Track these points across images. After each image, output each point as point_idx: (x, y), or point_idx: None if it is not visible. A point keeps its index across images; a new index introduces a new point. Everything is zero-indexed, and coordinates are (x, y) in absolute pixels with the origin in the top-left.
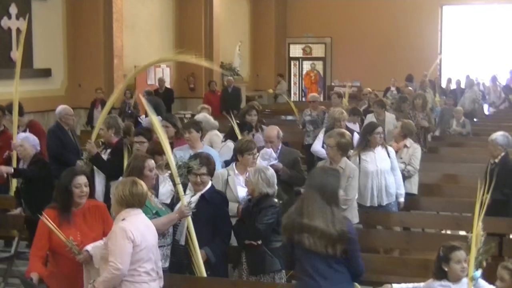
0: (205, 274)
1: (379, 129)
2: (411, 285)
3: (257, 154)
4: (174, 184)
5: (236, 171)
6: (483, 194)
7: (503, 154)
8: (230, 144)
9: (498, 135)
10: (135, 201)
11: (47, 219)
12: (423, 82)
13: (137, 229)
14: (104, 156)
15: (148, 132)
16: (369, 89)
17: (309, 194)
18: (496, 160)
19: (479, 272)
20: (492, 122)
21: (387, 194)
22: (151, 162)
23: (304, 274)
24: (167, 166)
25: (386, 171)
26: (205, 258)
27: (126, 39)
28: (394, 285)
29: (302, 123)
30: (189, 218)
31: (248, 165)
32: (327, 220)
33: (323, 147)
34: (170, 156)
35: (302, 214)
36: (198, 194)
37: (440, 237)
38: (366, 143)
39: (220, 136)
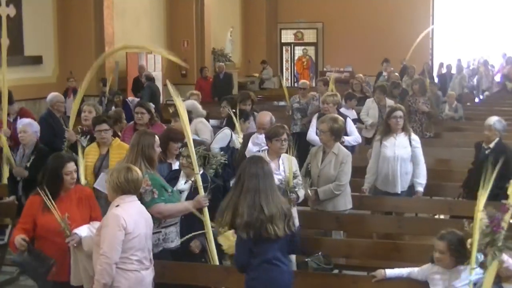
0: (217, 262)
1: (397, 113)
2: (404, 270)
3: (286, 140)
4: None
5: (268, 158)
6: (484, 180)
7: (497, 139)
8: (227, 131)
9: (495, 120)
10: (131, 188)
11: (45, 195)
12: (410, 68)
13: (131, 217)
14: (84, 143)
15: (111, 119)
16: (360, 75)
17: (251, 188)
18: (491, 146)
19: (481, 256)
20: (484, 106)
21: (401, 182)
22: (157, 139)
23: (264, 263)
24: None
25: (403, 159)
26: (200, 247)
27: (116, 26)
28: (387, 270)
29: (290, 110)
30: (206, 208)
31: (277, 151)
32: (276, 203)
33: (316, 134)
34: (192, 145)
35: (262, 208)
36: (190, 180)
37: (434, 222)
38: (387, 128)
39: (207, 124)
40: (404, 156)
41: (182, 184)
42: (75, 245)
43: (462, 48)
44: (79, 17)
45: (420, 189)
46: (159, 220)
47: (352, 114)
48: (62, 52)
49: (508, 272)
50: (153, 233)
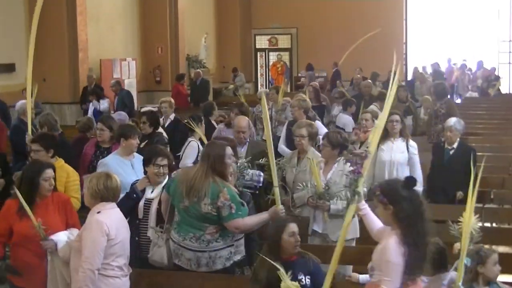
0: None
1: (393, 117)
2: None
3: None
4: None
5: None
6: (474, 184)
7: (458, 139)
8: (193, 143)
9: (455, 121)
10: (110, 195)
11: (20, 197)
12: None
13: (113, 223)
14: None
15: (47, 139)
16: (316, 83)
17: None
18: (454, 146)
19: (468, 261)
20: (459, 110)
21: None
22: (229, 150)
23: None
24: None
25: (400, 163)
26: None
27: (90, 32)
28: (360, 276)
29: (253, 118)
30: None
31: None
32: None
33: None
34: (273, 159)
35: None
36: (160, 187)
37: None
38: (384, 132)
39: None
40: (401, 161)
41: (149, 193)
42: (49, 250)
43: (436, 52)
44: (52, 24)
45: None
46: (232, 234)
47: (351, 121)
48: (35, 60)
49: (365, 220)
50: (226, 247)
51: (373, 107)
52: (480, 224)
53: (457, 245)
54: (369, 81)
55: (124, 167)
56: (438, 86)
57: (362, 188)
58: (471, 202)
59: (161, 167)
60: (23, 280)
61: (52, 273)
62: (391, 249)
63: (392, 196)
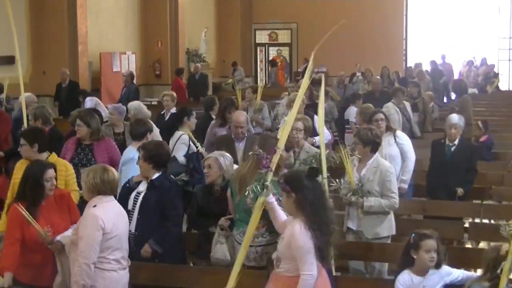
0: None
1: (378, 115)
2: None
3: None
4: None
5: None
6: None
7: (459, 136)
8: (184, 137)
9: (456, 118)
10: (107, 188)
11: (22, 209)
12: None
13: (109, 217)
14: None
15: (31, 134)
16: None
17: None
18: (456, 142)
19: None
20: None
21: None
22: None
23: None
24: None
25: (391, 157)
26: (150, 251)
27: (90, 26)
28: None
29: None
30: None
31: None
32: None
33: None
34: (324, 153)
35: None
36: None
37: (410, 223)
38: None
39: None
40: (392, 154)
41: (141, 187)
42: (57, 252)
43: (436, 49)
44: (52, 17)
45: (403, 185)
46: None
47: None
48: (36, 52)
49: (272, 213)
50: (274, 243)
51: (390, 104)
52: None
53: (505, 247)
54: (378, 77)
55: None
56: (457, 83)
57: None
58: None
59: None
60: (32, 279)
61: (62, 272)
62: (298, 234)
63: (295, 184)
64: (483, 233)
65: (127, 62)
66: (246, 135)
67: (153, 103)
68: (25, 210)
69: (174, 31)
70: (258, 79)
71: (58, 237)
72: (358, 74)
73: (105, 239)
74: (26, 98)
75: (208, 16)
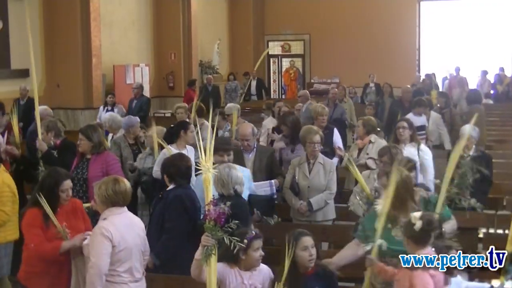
0: None
1: (400, 123)
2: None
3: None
4: None
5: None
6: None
7: (474, 146)
8: (165, 151)
9: (470, 129)
10: (119, 199)
11: (44, 203)
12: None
13: (116, 229)
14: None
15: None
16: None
17: None
18: (471, 153)
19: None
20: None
21: None
22: None
23: None
24: None
25: None
26: (152, 263)
27: (104, 38)
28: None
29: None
30: None
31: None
32: None
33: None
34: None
35: None
36: None
37: None
38: (395, 138)
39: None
40: None
41: None
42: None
43: (447, 59)
44: (66, 30)
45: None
46: None
47: (421, 120)
48: (49, 65)
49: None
50: None
51: (435, 114)
52: None
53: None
54: (408, 86)
55: None
56: (471, 93)
57: None
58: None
59: None
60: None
61: (76, 276)
62: None
63: None
64: (497, 243)
65: (141, 75)
66: (255, 146)
67: (166, 115)
68: (47, 205)
69: (187, 43)
70: (271, 90)
71: (86, 241)
72: (372, 85)
73: (113, 252)
74: (42, 111)
75: (221, 28)
